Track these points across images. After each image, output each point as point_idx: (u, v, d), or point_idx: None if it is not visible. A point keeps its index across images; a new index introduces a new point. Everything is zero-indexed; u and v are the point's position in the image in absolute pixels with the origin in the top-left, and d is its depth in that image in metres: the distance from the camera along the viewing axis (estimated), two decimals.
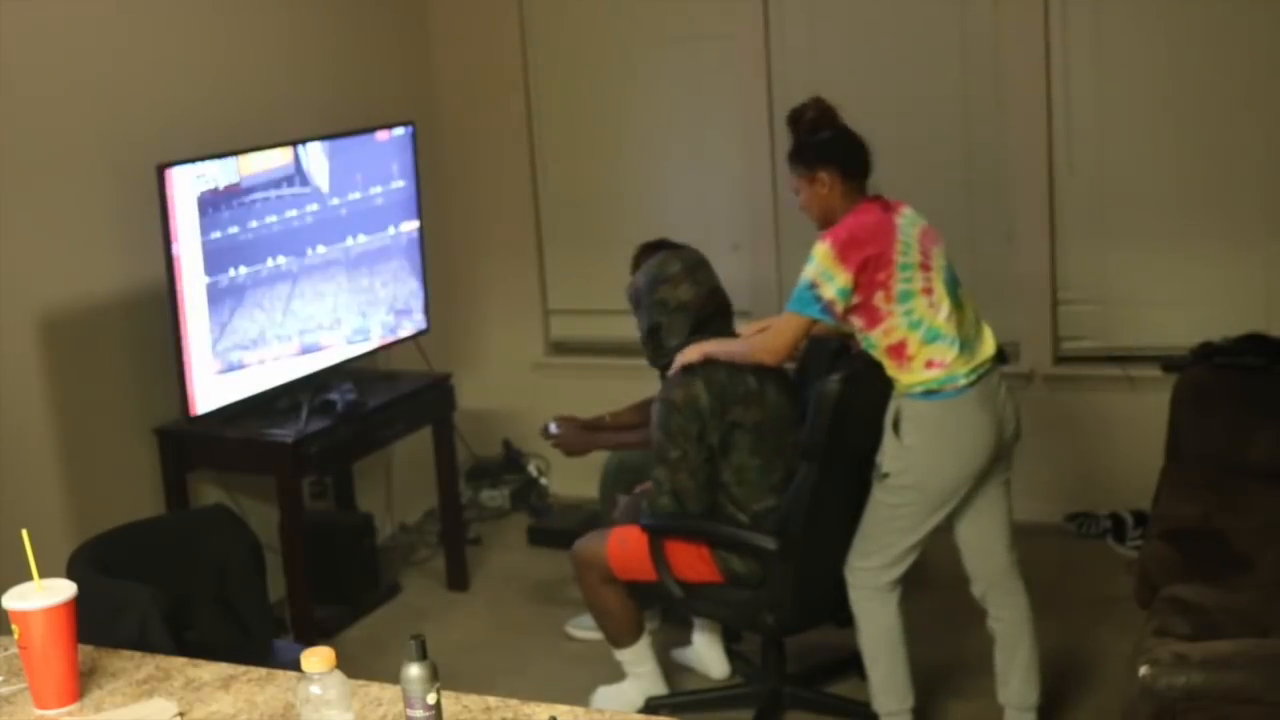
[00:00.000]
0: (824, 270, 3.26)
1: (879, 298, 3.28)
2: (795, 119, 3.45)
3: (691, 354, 3.53)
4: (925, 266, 3.32)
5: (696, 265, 3.68)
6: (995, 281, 4.64)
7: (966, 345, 3.33)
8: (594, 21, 5.37)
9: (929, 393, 3.30)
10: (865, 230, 3.29)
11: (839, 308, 3.28)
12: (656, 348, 3.69)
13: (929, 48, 4.91)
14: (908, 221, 3.37)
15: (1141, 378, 4.74)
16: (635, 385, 4.68)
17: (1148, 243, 4.78)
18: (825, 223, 3.39)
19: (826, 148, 3.39)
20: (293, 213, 4.19)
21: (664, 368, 3.70)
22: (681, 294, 3.63)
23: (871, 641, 3.49)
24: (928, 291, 3.30)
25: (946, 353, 3.28)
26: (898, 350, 3.30)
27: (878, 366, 3.34)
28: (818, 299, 3.27)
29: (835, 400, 3.33)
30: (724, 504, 3.53)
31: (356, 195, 4.45)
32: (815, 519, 3.42)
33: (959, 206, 4.81)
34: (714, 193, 5.27)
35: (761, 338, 3.46)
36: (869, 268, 3.26)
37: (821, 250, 3.29)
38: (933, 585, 4.02)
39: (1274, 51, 4.51)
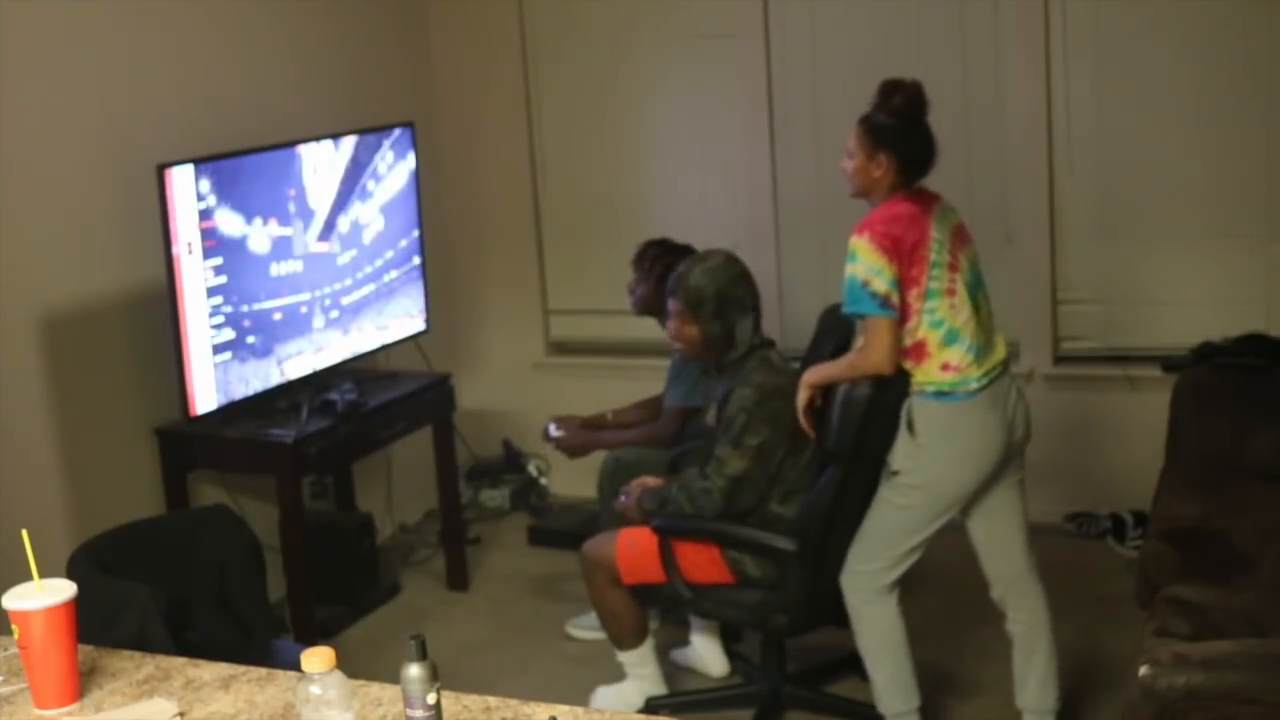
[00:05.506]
0: (870, 265, 3.22)
1: (913, 294, 3.25)
2: (888, 92, 3.35)
3: (806, 384, 3.42)
4: (953, 267, 3.30)
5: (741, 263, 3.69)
6: (995, 281, 4.57)
7: (981, 349, 3.31)
8: (594, 21, 5.37)
9: (940, 394, 3.29)
10: (900, 224, 3.26)
11: (895, 299, 3.23)
12: (729, 347, 3.59)
13: (929, 47, 4.90)
14: (940, 218, 3.34)
15: (1141, 378, 4.74)
16: (635, 385, 4.69)
17: (1147, 243, 4.78)
18: (859, 195, 3.38)
19: (902, 136, 3.32)
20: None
21: (731, 363, 3.60)
22: (750, 291, 3.61)
23: (874, 645, 3.48)
24: (951, 292, 3.28)
25: (963, 357, 3.27)
26: (917, 349, 3.28)
27: (901, 372, 3.31)
28: (873, 295, 3.22)
29: (866, 406, 3.30)
30: (767, 499, 3.53)
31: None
32: (834, 522, 3.42)
33: (959, 206, 4.71)
34: (714, 193, 5.26)
35: (862, 355, 3.30)
36: (905, 261, 3.23)
37: (863, 245, 3.23)
38: (933, 585, 4.03)
39: (1274, 51, 4.51)
